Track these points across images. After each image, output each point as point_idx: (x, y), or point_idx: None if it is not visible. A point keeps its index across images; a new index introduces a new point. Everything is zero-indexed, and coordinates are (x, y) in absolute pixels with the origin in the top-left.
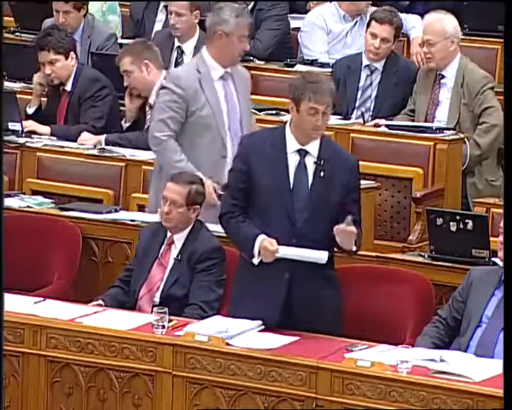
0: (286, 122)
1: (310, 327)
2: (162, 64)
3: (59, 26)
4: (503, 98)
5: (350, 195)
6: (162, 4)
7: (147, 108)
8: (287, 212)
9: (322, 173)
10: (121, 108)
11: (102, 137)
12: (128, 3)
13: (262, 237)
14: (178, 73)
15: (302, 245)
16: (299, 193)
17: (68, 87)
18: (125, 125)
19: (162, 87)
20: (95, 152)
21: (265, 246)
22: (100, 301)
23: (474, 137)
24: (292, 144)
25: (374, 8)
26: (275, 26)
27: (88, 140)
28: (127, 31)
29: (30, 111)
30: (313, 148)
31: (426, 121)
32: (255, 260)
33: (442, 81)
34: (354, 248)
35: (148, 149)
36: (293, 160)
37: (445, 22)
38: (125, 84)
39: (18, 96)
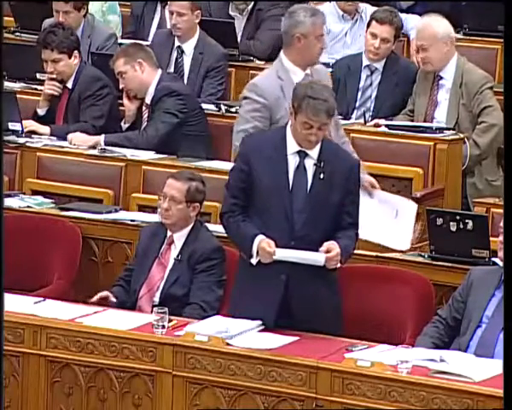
0: (287, 123)
1: (308, 327)
2: (157, 63)
3: (64, 24)
4: (502, 98)
5: (348, 196)
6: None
7: (143, 108)
8: (285, 213)
9: (321, 175)
10: (121, 107)
11: (102, 138)
12: (128, 3)
13: (260, 237)
14: (259, 82)
15: (300, 246)
16: (298, 194)
17: (69, 85)
18: (125, 126)
19: (244, 97)
20: (95, 152)
21: (263, 247)
22: (107, 293)
23: (473, 137)
24: (292, 146)
25: (373, 8)
26: (275, 26)
27: (86, 142)
28: (127, 26)
29: (41, 112)
30: (313, 150)
31: (425, 122)
32: (253, 260)
33: (440, 82)
34: (339, 265)
35: (147, 148)
36: (292, 161)
37: (434, 25)
38: (121, 86)
39: (18, 96)
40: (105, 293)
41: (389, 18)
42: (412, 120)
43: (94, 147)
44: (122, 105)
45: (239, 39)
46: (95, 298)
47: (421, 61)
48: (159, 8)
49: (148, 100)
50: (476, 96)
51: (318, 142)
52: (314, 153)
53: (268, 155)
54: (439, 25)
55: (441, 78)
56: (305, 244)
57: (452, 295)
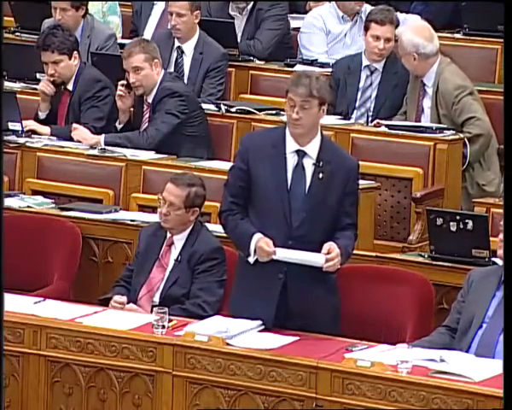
0: (284, 122)
1: (306, 327)
2: (162, 64)
3: (62, 25)
4: (502, 98)
5: (347, 197)
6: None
7: (145, 107)
8: (284, 212)
9: (320, 175)
10: None
11: (102, 138)
12: (129, 3)
13: (258, 235)
14: None
15: (298, 246)
16: (296, 194)
17: (70, 86)
18: (119, 126)
19: None
20: (95, 152)
21: (261, 246)
22: (124, 299)
23: None
24: (291, 145)
25: (370, 8)
26: (275, 26)
27: (86, 139)
28: (129, 26)
29: (42, 116)
30: (312, 149)
31: None
32: (251, 259)
33: (425, 89)
34: (338, 267)
35: (148, 148)
36: (291, 160)
37: (403, 37)
38: (132, 80)
39: (18, 96)
40: (123, 299)
41: (389, 17)
42: None
43: (93, 147)
44: None
45: (239, 39)
46: (115, 300)
47: None
48: (156, 5)
49: (150, 99)
50: (453, 107)
51: (304, 126)
52: (313, 152)
53: (267, 154)
54: (406, 38)
55: (425, 84)
56: (303, 244)
57: (453, 304)
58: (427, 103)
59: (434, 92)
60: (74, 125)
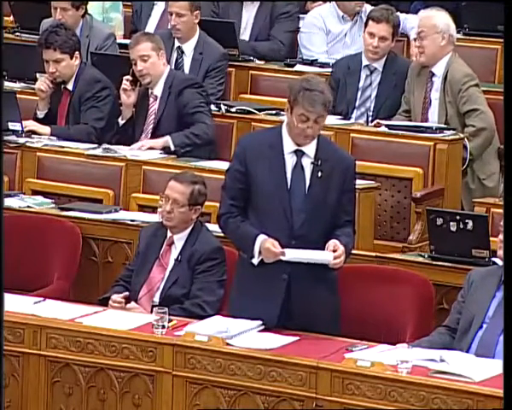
0: (282, 122)
1: (307, 327)
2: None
3: (65, 24)
4: (503, 98)
5: (345, 195)
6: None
7: (150, 100)
8: (285, 213)
9: (319, 174)
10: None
11: (169, 139)
12: (129, 3)
13: (263, 236)
14: None
15: (301, 246)
16: (296, 194)
17: (70, 86)
18: (122, 122)
19: None
20: (95, 152)
21: (268, 247)
22: (122, 298)
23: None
24: (288, 145)
25: (370, 8)
26: (292, 28)
27: (155, 145)
28: (130, 26)
29: (40, 115)
30: (310, 148)
31: (421, 121)
32: (255, 260)
33: (433, 79)
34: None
35: (209, 141)
36: (290, 160)
37: (436, 17)
38: (139, 68)
39: (18, 96)
40: (121, 297)
41: (385, 16)
42: (409, 121)
43: (166, 151)
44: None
45: (250, 26)
46: (113, 300)
47: (417, 50)
48: (156, 5)
49: (157, 92)
50: (460, 94)
51: (314, 137)
52: (311, 151)
53: (265, 155)
54: (441, 18)
55: (433, 74)
56: (304, 243)
57: (453, 304)
58: (434, 95)
59: (442, 81)
60: (136, 145)
